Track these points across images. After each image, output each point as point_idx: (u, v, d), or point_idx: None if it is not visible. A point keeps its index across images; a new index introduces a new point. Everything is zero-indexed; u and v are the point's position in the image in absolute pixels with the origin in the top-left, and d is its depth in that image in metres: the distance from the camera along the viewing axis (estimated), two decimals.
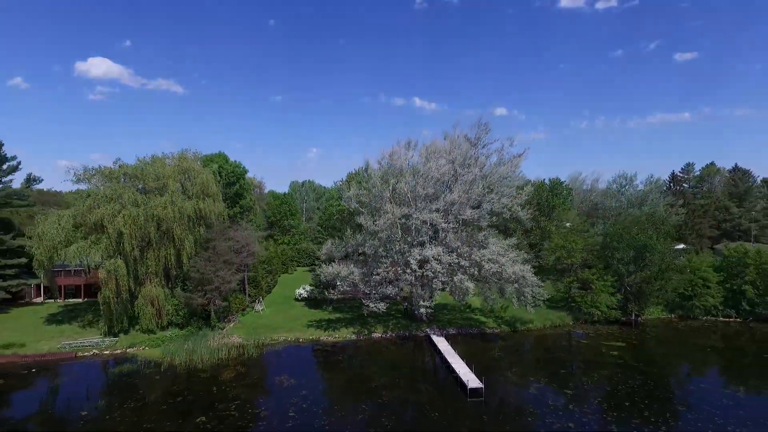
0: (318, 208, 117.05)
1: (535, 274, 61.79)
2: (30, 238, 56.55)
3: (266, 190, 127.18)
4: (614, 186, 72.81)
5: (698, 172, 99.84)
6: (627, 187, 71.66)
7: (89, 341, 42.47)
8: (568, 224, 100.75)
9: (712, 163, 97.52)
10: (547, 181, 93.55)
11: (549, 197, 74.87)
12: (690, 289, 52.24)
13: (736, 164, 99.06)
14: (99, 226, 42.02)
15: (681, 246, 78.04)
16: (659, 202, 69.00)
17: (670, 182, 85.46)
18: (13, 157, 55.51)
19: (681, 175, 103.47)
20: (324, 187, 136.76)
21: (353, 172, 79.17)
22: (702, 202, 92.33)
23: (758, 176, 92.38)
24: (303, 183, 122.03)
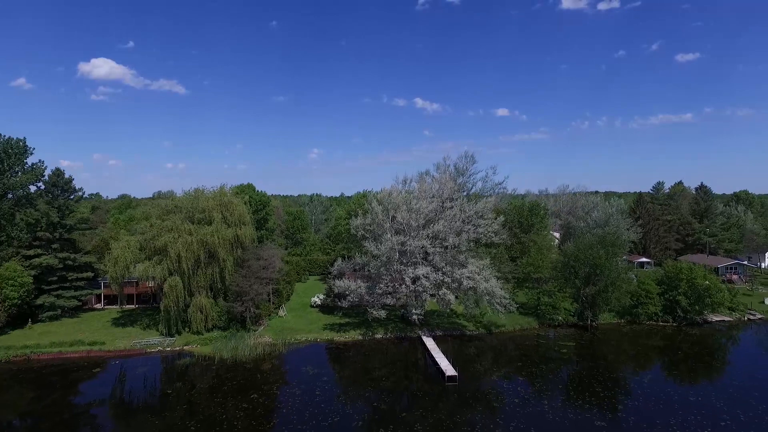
0: (326, 220, 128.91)
1: (516, 283, 73.44)
2: (88, 252, 68.74)
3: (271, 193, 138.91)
4: (581, 211, 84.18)
5: (668, 190, 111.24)
6: (593, 210, 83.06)
7: (154, 340, 54.18)
8: (557, 235, 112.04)
9: (680, 183, 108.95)
10: (535, 192, 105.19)
11: (528, 216, 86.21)
12: (636, 298, 63.70)
13: (701, 183, 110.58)
14: (162, 250, 53.73)
15: (643, 259, 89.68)
16: (620, 223, 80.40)
17: (636, 202, 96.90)
18: (80, 189, 67.34)
19: (652, 192, 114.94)
20: (329, 197, 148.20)
21: (360, 193, 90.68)
22: (669, 218, 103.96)
23: (715, 195, 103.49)
24: (311, 197, 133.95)
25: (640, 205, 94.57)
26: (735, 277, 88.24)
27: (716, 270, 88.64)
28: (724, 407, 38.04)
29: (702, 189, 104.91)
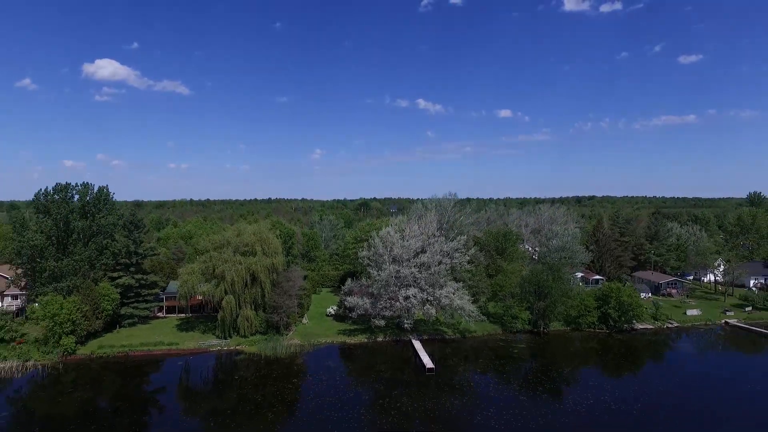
0: (334, 236, 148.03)
1: (489, 296, 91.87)
2: (153, 273, 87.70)
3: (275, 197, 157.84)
4: (544, 237, 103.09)
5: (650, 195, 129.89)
6: (554, 238, 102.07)
7: (214, 342, 73.16)
8: (538, 247, 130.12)
9: (637, 208, 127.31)
10: (532, 196, 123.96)
11: (502, 241, 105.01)
12: (577, 310, 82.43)
13: (657, 209, 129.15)
14: (220, 275, 72.80)
15: (597, 277, 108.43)
16: (575, 249, 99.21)
17: (595, 228, 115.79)
18: (144, 218, 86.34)
19: (616, 214, 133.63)
20: (332, 201, 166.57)
21: (366, 222, 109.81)
22: (626, 239, 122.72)
23: (714, 199, 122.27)
24: (321, 218, 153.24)
25: (597, 230, 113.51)
26: (674, 291, 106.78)
27: (659, 285, 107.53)
28: (608, 387, 57.09)
29: (654, 215, 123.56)
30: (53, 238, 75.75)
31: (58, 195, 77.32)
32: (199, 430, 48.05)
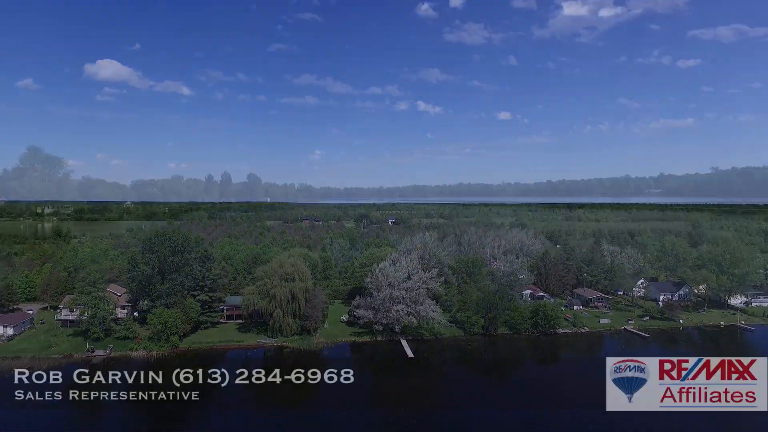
0: (342, 255, 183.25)
1: (458, 308, 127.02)
2: (217, 290, 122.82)
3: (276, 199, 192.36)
4: (501, 265, 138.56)
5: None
6: (507, 265, 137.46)
7: (268, 340, 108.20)
8: (510, 265, 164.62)
9: (580, 239, 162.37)
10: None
11: (471, 266, 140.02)
12: (517, 319, 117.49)
13: (597, 240, 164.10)
14: (273, 295, 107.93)
15: (542, 293, 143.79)
16: (524, 274, 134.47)
17: (543, 254, 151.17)
18: (210, 252, 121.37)
19: (565, 242, 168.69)
20: (334, 205, 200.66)
21: (369, 252, 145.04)
22: (570, 263, 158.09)
23: (709, 204, 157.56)
24: (332, 241, 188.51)
25: (545, 257, 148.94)
26: (600, 304, 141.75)
27: (589, 300, 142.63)
28: (530, 369, 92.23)
29: (595, 242, 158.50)
30: (156, 269, 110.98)
31: (158, 239, 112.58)
32: (261, 392, 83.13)
